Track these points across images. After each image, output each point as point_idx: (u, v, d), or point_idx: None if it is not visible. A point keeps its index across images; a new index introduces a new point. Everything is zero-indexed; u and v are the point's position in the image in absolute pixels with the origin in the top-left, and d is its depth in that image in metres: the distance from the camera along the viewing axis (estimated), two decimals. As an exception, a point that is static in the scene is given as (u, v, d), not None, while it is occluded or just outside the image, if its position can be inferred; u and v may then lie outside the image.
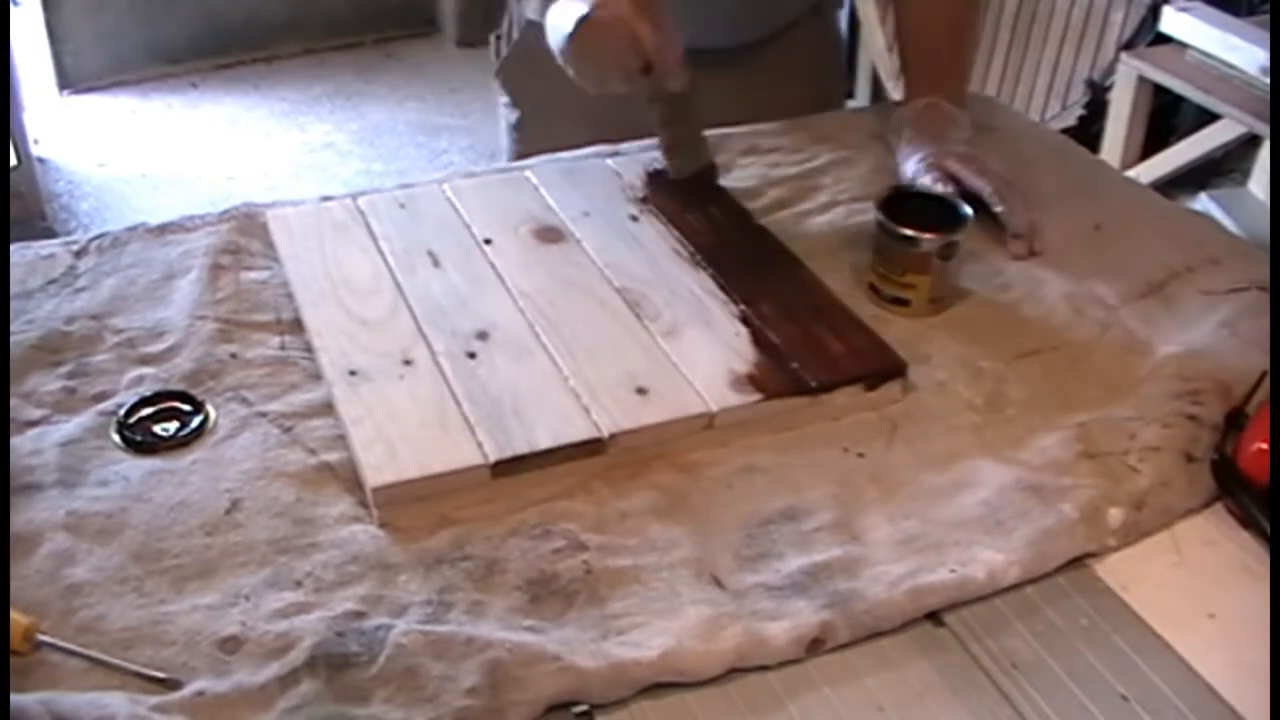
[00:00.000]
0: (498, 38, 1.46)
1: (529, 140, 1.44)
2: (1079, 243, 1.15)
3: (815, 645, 0.75)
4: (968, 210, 1.06)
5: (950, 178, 1.15)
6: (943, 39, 1.30)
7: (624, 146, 1.25)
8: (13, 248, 1.09)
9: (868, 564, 0.80)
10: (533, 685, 0.71)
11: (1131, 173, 2.35)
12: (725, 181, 1.21)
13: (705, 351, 0.95)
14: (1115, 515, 0.84)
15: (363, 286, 1.03)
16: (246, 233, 1.11)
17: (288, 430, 0.90)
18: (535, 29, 1.22)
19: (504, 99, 1.48)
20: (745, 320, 0.99)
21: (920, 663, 0.76)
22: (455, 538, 0.82)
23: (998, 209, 1.13)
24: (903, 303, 1.05)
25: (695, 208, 1.14)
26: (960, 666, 0.75)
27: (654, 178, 1.19)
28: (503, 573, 0.79)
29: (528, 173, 1.20)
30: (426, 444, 0.85)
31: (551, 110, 1.35)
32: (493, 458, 0.84)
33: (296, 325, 1.00)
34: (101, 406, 0.92)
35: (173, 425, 0.90)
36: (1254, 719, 0.72)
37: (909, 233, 1.03)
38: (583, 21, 1.04)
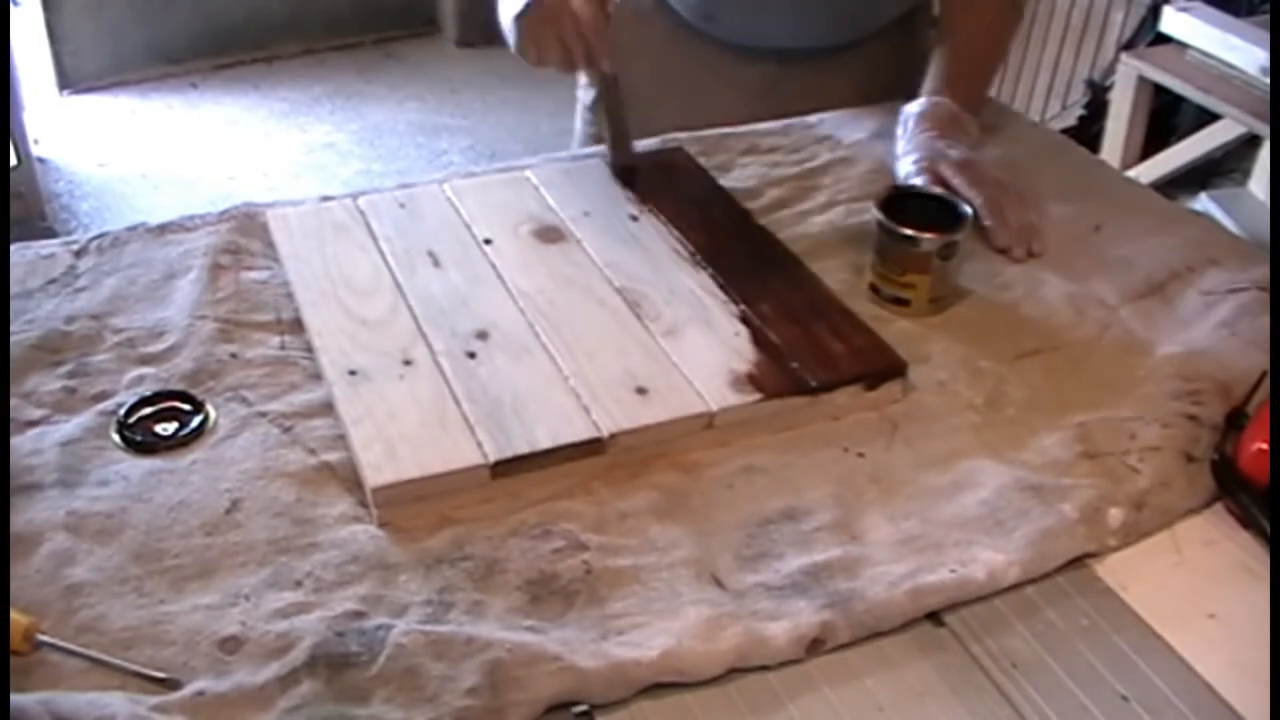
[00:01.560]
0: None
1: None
2: (1079, 243, 1.15)
3: (815, 645, 0.75)
4: (968, 210, 1.06)
5: (943, 183, 1.15)
6: (978, 41, 1.29)
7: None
8: (13, 248, 1.09)
9: (868, 564, 0.80)
10: (533, 685, 0.71)
11: (1131, 173, 2.35)
12: (725, 181, 1.21)
13: (705, 351, 0.95)
14: (1115, 515, 0.84)
15: (363, 286, 1.03)
16: (246, 233, 1.11)
17: (288, 430, 0.90)
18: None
19: (583, 79, 1.47)
20: (745, 320, 0.99)
21: (920, 663, 0.76)
22: (455, 538, 0.82)
23: (986, 223, 1.13)
24: (903, 302, 1.05)
25: (695, 208, 1.14)
26: (960, 666, 0.75)
27: (654, 178, 1.19)
28: (503, 573, 0.79)
29: (528, 173, 1.20)
30: (426, 444, 0.85)
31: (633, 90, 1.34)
32: (493, 458, 0.84)
33: (296, 325, 1.00)
34: (101, 406, 0.92)
35: (173, 425, 0.90)
36: (1254, 719, 0.72)
37: (909, 232, 1.02)
38: (530, 7, 1.11)
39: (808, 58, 1.37)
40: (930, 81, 1.28)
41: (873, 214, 1.05)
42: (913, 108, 1.25)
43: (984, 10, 1.30)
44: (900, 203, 1.06)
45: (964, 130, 1.23)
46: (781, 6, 1.32)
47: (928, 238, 1.03)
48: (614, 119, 1.20)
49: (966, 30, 1.30)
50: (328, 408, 0.91)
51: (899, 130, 1.25)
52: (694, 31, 1.14)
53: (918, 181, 1.16)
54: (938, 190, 1.13)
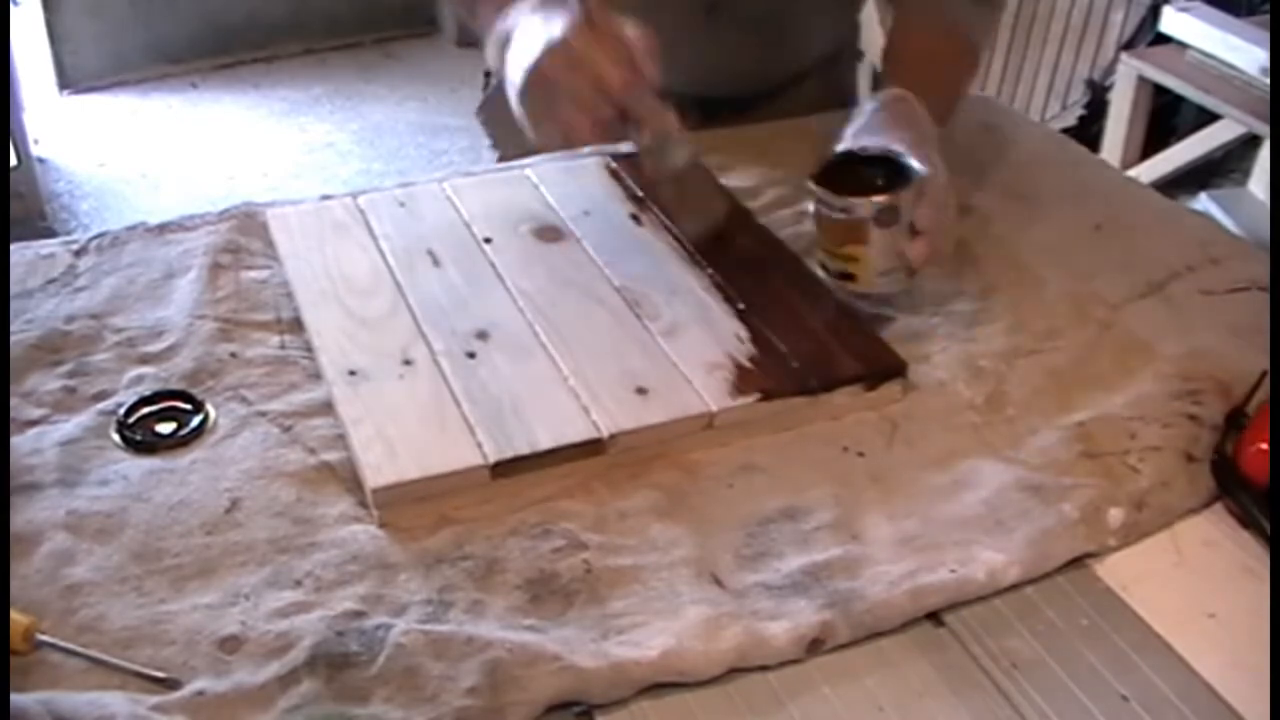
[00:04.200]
0: (486, 74, 1.43)
1: None
2: (1079, 243, 1.15)
3: (815, 645, 0.75)
4: (918, 168, 0.95)
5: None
6: (921, 64, 1.18)
7: (624, 146, 1.25)
8: (13, 248, 1.09)
9: (868, 564, 0.80)
10: (533, 685, 0.71)
11: (1131, 173, 2.35)
12: (725, 181, 1.21)
13: (705, 351, 0.95)
14: (1115, 515, 0.84)
15: (363, 286, 1.03)
16: (246, 232, 1.11)
17: (288, 430, 0.90)
18: None
19: (487, 140, 1.45)
20: (745, 320, 0.99)
21: (920, 663, 0.76)
22: (455, 537, 0.82)
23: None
24: (848, 277, 0.99)
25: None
26: (960, 666, 0.75)
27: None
28: (503, 572, 0.79)
29: (528, 172, 1.20)
30: (426, 444, 0.85)
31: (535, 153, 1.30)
32: (492, 458, 0.84)
33: (296, 325, 1.00)
34: (101, 406, 0.92)
35: (172, 425, 0.90)
36: (1254, 719, 0.72)
37: (840, 200, 0.95)
38: (531, 72, 0.92)
39: (733, 108, 1.32)
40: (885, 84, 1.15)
41: (806, 185, 0.97)
42: (871, 101, 1.11)
43: (932, 35, 1.20)
44: (843, 172, 0.98)
45: (922, 130, 1.05)
46: (702, 53, 1.25)
47: (859, 202, 0.94)
48: (693, 188, 1.06)
49: (917, 54, 1.19)
50: (328, 407, 0.91)
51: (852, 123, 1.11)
52: None
53: (864, 140, 1.02)
54: (894, 149, 0.99)
